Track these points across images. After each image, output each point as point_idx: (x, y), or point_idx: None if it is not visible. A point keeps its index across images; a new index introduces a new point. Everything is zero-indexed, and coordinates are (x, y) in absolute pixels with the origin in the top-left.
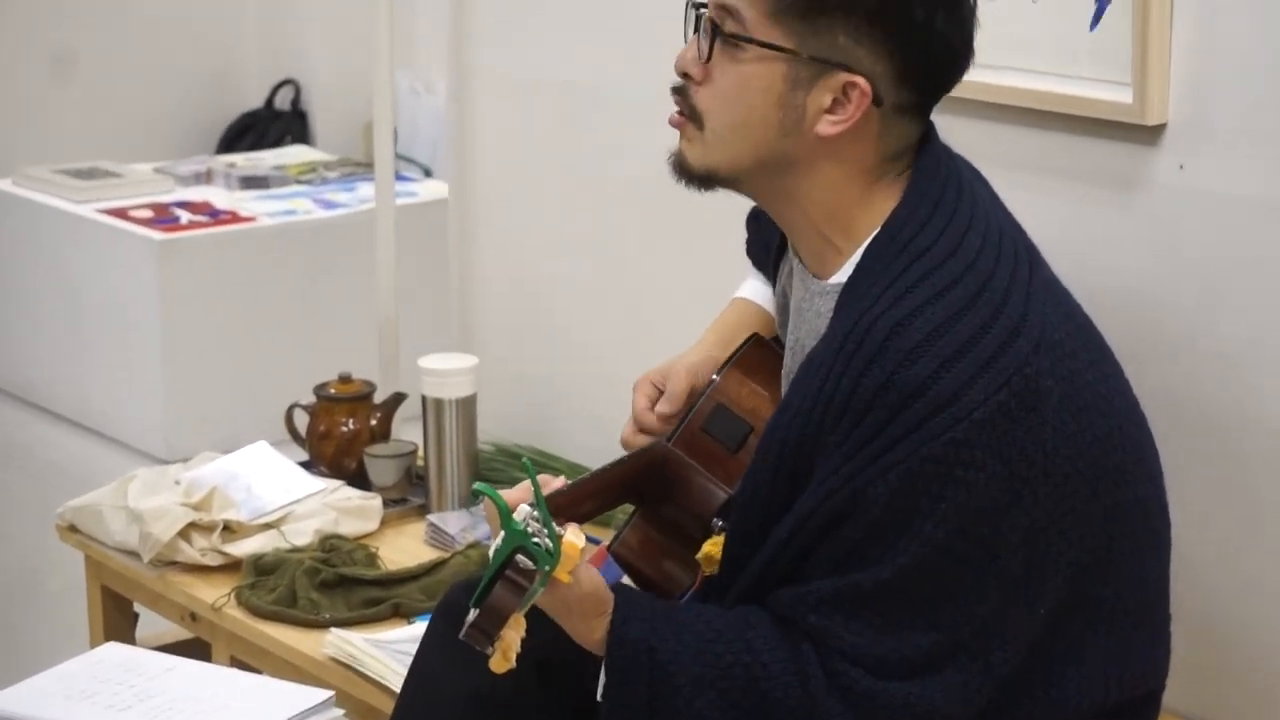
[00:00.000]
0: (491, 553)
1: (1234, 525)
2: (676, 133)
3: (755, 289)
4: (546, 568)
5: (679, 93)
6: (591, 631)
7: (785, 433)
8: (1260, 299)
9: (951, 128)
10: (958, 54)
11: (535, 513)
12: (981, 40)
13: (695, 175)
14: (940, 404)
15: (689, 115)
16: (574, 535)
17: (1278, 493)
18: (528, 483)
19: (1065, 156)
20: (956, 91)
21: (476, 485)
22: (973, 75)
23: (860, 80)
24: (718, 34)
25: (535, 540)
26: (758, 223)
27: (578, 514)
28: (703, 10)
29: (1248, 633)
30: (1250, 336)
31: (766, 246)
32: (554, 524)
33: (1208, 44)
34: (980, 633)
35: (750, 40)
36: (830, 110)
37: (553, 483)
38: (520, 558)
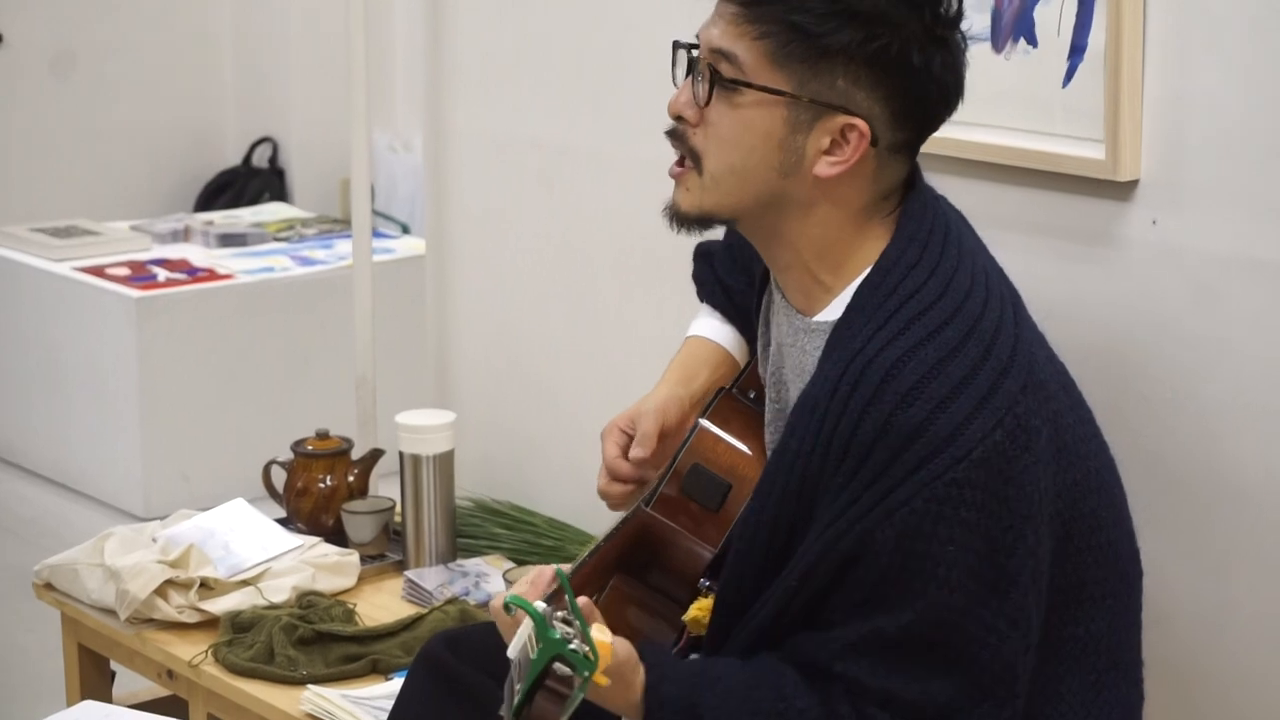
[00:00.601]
0: (511, 654)
1: (1205, 577)
2: (652, 189)
3: (709, 326)
4: (586, 673)
5: (675, 136)
6: (627, 693)
7: (787, 476)
8: (1231, 352)
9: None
10: (950, 94)
11: (560, 614)
12: None
13: (693, 219)
14: (939, 445)
15: (689, 157)
16: (600, 632)
17: (1249, 545)
18: (534, 578)
19: (1038, 212)
20: (930, 148)
21: (509, 597)
22: (946, 131)
23: (859, 122)
24: (716, 79)
25: (572, 647)
26: (709, 260)
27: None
28: (694, 52)
29: (1217, 682)
30: (1222, 391)
31: (727, 289)
32: (589, 627)
33: (1179, 100)
34: (1004, 677)
35: (750, 85)
36: (829, 151)
37: (545, 574)
38: (558, 665)
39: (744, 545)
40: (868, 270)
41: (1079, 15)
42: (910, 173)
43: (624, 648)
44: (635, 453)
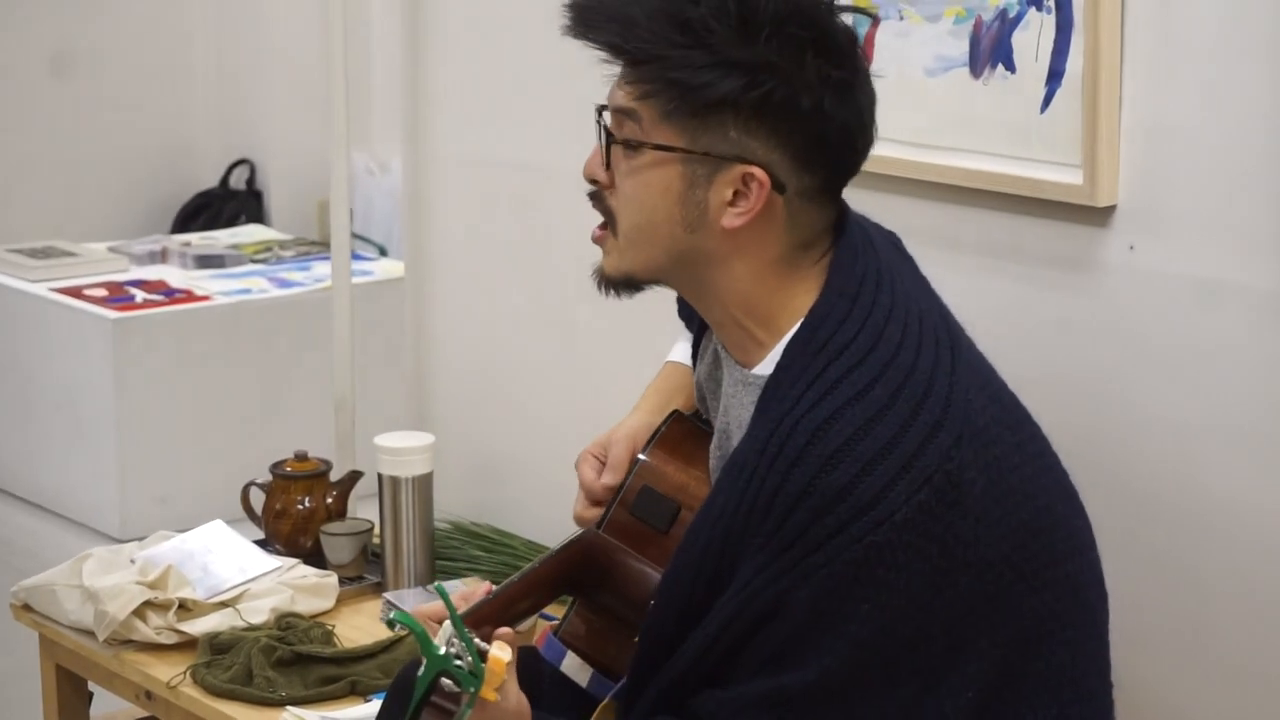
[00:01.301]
0: (415, 678)
1: (1180, 601)
2: None
3: (685, 352)
4: (472, 689)
5: (594, 198)
6: None
7: (710, 533)
8: (1209, 380)
9: (900, 208)
10: (854, 135)
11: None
12: (932, 122)
13: (616, 282)
14: (861, 508)
15: (607, 220)
16: (499, 650)
17: (1223, 570)
18: (468, 592)
19: (1015, 238)
20: (907, 172)
21: (394, 614)
22: (922, 156)
23: (757, 171)
24: (611, 140)
25: (458, 663)
26: None
27: (511, 616)
28: (606, 114)
29: (1192, 703)
30: (1199, 417)
31: (694, 313)
32: (474, 642)
33: (1157, 125)
34: None
35: (643, 144)
36: (732, 203)
37: (478, 590)
38: (445, 681)
39: (664, 598)
40: (798, 325)
41: (1056, 41)
42: (838, 217)
43: (518, 700)
44: (606, 479)
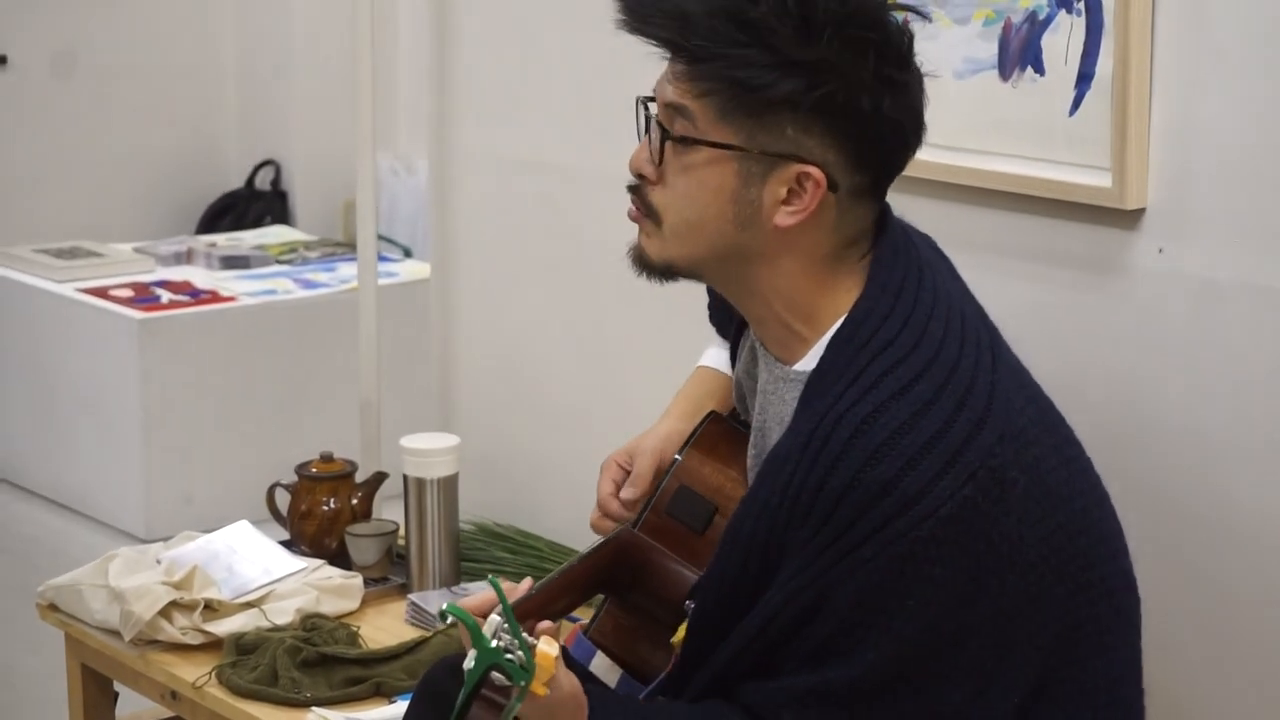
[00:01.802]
0: (466, 670)
1: (1207, 608)
2: None
3: (718, 357)
4: (522, 683)
5: (634, 191)
6: None
7: (753, 526)
8: (1239, 383)
9: (930, 211)
10: (908, 135)
11: (505, 624)
12: (961, 124)
13: (655, 268)
14: (906, 503)
15: (645, 213)
16: (547, 645)
17: (1251, 576)
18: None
19: (1044, 241)
20: (936, 175)
21: (446, 606)
22: (951, 158)
23: (813, 170)
24: (667, 136)
25: (509, 656)
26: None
27: (550, 613)
28: (652, 105)
29: (1219, 711)
30: (1228, 420)
31: (728, 318)
32: (525, 636)
33: (1186, 128)
34: None
35: (700, 141)
36: (786, 201)
37: (518, 589)
38: (495, 675)
39: (710, 592)
40: (841, 321)
41: (1086, 44)
42: (880, 215)
43: (571, 681)
44: (626, 493)
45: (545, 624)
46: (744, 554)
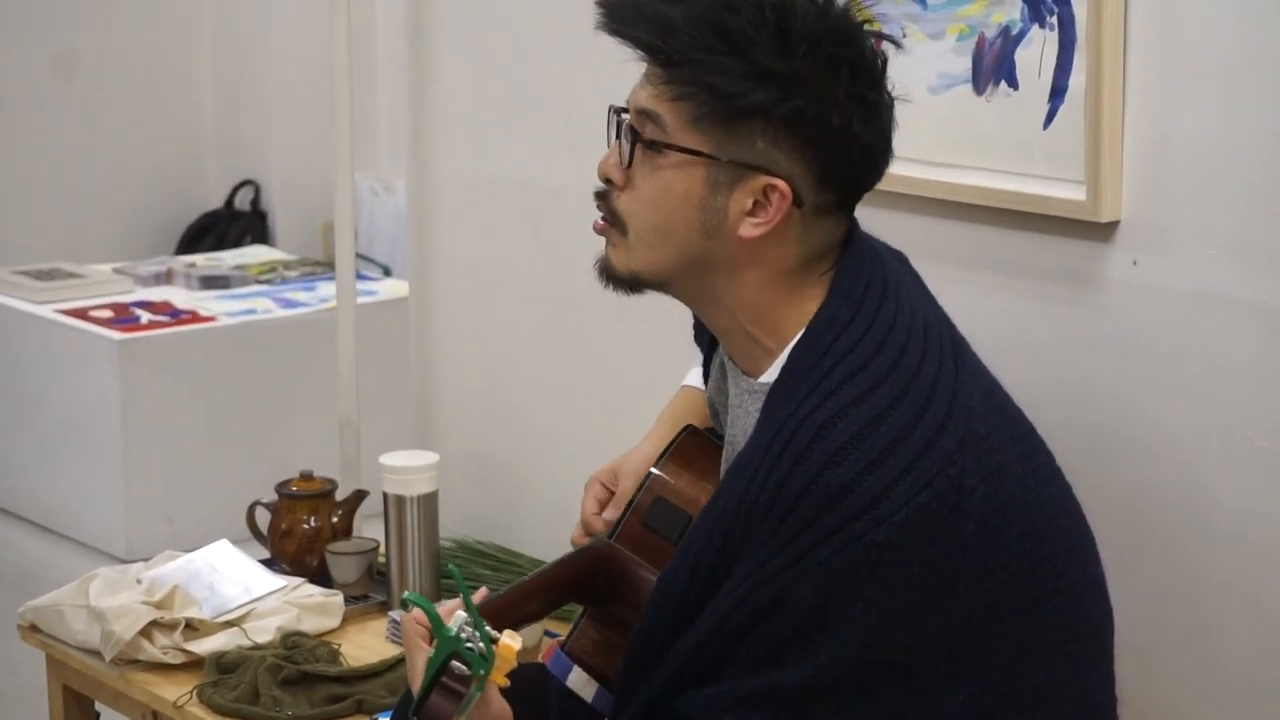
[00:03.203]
0: (426, 660)
1: (1183, 612)
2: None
3: (700, 375)
4: (481, 672)
5: (601, 198)
6: None
7: (710, 531)
8: (1214, 394)
9: (905, 225)
10: (876, 156)
11: (469, 619)
12: (935, 139)
13: (621, 279)
14: (862, 507)
15: (611, 221)
16: (510, 638)
17: (1228, 583)
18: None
19: (1018, 253)
20: (911, 189)
21: (406, 594)
22: (926, 173)
23: (780, 183)
24: (637, 139)
25: (469, 645)
26: None
27: (520, 615)
28: (624, 115)
29: (1196, 717)
30: (1204, 431)
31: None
32: (486, 627)
33: (1160, 141)
34: None
35: (670, 146)
36: (751, 213)
37: (481, 592)
38: (455, 664)
39: (659, 598)
40: (802, 332)
41: (1059, 58)
42: (847, 231)
43: (500, 712)
44: (609, 514)
45: (508, 629)
46: (697, 558)
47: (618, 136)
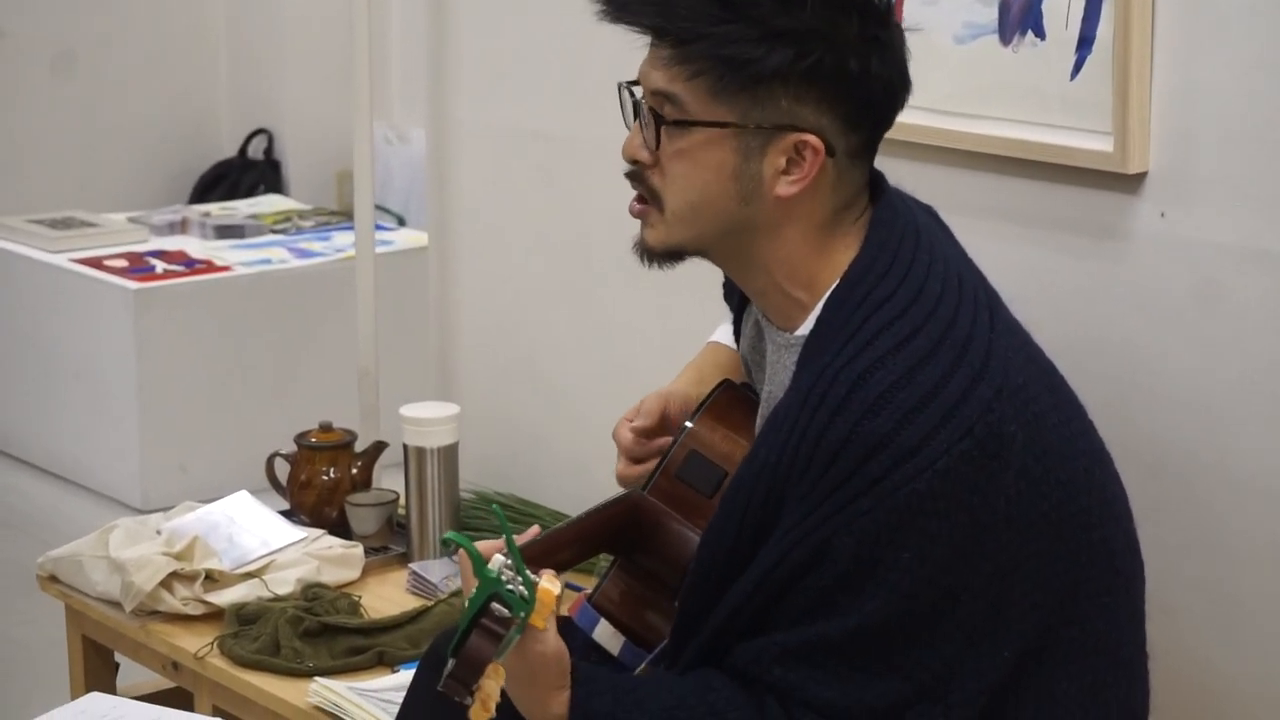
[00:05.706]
0: (466, 602)
1: (1210, 568)
2: None
3: (729, 333)
4: (522, 614)
5: (633, 177)
6: (549, 705)
7: (752, 484)
8: (1241, 346)
9: (930, 176)
10: (895, 89)
11: (509, 560)
12: (961, 89)
13: (661, 255)
14: (903, 456)
15: (649, 198)
16: (549, 582)
17: (1255, 539)
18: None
19: (1046, 205)
20: (937, 140)
21: (448, 535)
22: (951, 124)
23: (810, 138)
24: (660, 122)
25: (510, 587)
26: None
27: (553, 563)
28: (635, 93)
29: (1225, 674)
30: (1231, 384)
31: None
32: (528, 570)
33: (1188, 92)
34: (942, 677)
35: (695, 123)
36: (786, 171)
37: (526, 534)
38: (495, 605)
39: (707, 554)
40: (837, 283)
41: (1087, 8)
42: (875, 182)
43: (560, 644)
44: (637, 423)
45: (547, 572)
46: (742, 512)
47: (635, 117)
